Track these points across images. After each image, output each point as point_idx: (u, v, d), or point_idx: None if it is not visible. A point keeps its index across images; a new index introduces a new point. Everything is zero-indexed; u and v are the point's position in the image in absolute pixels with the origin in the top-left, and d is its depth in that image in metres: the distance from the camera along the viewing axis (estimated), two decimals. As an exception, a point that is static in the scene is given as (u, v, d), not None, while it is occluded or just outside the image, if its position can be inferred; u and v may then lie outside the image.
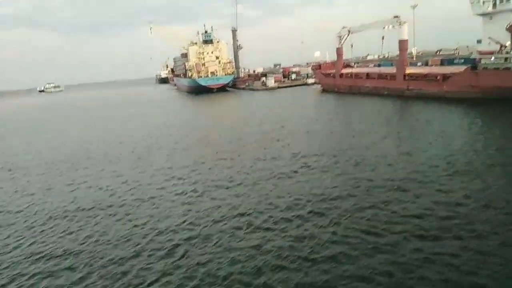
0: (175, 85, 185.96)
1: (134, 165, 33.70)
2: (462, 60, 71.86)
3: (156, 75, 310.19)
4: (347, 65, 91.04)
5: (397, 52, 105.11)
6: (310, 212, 19.69)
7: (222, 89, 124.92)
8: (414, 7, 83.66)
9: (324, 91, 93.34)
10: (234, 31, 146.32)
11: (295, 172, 27.05)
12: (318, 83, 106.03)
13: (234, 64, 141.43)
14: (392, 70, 70.70)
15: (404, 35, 65.03)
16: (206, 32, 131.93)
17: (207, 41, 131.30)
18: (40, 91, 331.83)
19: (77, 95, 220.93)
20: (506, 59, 47.59)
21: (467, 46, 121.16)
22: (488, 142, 30.92)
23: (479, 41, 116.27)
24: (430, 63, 75.02)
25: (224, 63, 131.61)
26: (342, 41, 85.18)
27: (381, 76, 72.98)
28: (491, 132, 34.71)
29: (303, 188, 23.47)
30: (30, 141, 54.33)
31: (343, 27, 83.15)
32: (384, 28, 70.39)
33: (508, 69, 47.22)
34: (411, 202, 19.84)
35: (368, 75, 76.88)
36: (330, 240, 16.58)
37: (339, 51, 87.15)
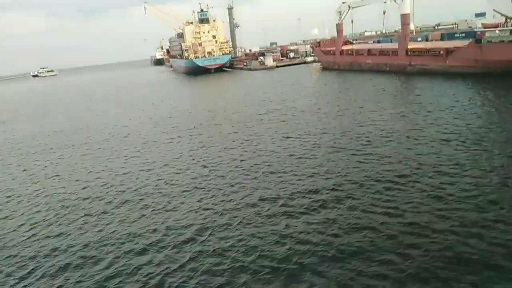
0: (171, 66, 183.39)
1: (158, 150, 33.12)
2: (463, 34, 71.00)
3: (151, 57, 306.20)
4: (347, 42, 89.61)
5: (395, 28, 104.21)
6: (332, 194, 19.41)
7: (220, 69, 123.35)
8: None
9: (324, 69, 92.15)
10: (230, 9, 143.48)
11: (310, 152, 26.63)
12: (318, 61, 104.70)
13: (231, 43, 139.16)
14: (394, 46, 69.59)
15: (406, 9, 63.69)
16: (202, 10, 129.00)
17: (203, 20, 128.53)
18: (34, 76, 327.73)
19: (73, 79, 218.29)
20: (511, 31, 46.68)
21: (466, 20, 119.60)
22: (495, 117, 30.55)
23: (477, 15, 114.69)
24: (430, 38, 73.73)
25: (221, 43, 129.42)
26: (342, 17, 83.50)
27: (382, 52, 71.88)
28: (498, 107, 34.20)
29: (321, 167, 23.11)
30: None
31: (343, 2, 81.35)
32: (385, 2, 68.84)
33: (514, 42, 46.43)
34: (433, 178, 19.57)
35: (369, 52, 75.72)
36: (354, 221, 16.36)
37: (339, 27, 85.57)
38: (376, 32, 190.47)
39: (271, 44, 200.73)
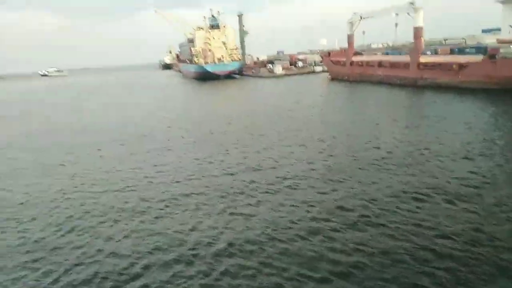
0: (179, 71, 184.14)
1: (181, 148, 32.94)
2: (474, 49, 70.73)
3: (160, 61, 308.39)
4: (357, 53, 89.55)
5: (403, 41, 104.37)
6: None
7: (229, 76, 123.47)
8: None
9: (333, 79, 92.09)
10: (240, 16, 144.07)
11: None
12: (326, 71, 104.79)
13: (240, 50, 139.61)
14: (405, 58, 69.34)
15: (419, 22, 63.50)
16: (213, 16, 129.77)
17: (214, 26, 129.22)
18: (43, 75, 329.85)
19: (85, 79, 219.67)
20: (528, 48, 46.40)
21: (474, 36, 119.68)
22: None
23: (484, 31, 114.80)
24: (439, 52, 73.61)
25: (231, 49, 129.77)
26: (354, 28, 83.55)
27: (393, 65, 71.67)
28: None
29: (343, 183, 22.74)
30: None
31: (355, 13, 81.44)
32: (397, 14, 68.70)
33: (530, 59, 46.07)
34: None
35: (380, 64, 75.56)
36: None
37: (350, 38, 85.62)
38: (382, 44, 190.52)
39: (278, 52, 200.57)
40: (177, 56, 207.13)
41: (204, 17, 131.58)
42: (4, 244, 17.82)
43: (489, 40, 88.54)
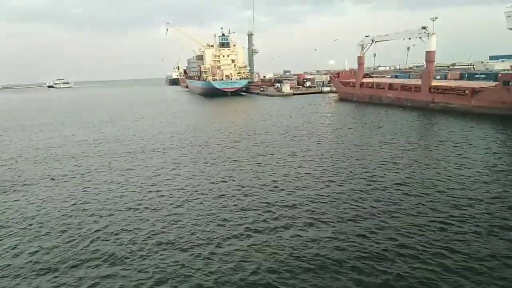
0: (186, 86, 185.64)
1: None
2: (484, 75, 71.31)
3: (167, 76, 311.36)
4: (366, 75, 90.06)
5: (410, 64, 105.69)
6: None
7: (236, 93, 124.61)
8: (434, 19, 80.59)
9: (342, 99, 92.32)
10: (250, 36, 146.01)
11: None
12: (334, 92, 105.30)
13: (249, 68, 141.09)
14: (417, 81, 69.64)
15: (432, 46, 63.92)
16: (223, 35, 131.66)
17: (224, 44, 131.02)
18: (49, 87, 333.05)
19: (91, 92, 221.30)
20: (542, 75, 46.49)
21: (482, 62, 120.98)
22: None
23: (492, 58, 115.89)
24: (449, 76, 74.18)
25: (240, 67, 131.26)
26: (365, 50, 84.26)
27: (404, 87, 71.93)
28: None
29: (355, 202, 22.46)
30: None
31: (366, 36, 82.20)
32: (410, 38, 69.26)
33: (544, 85, 46.13)
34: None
35: (390, 86, 75.83)
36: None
37: (360, 60, 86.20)
38: (390, 67, 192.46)
39: (285, 71, 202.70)
40: (185, 72, 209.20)
41: (215, 35, 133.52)
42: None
43: (498, 67, 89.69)
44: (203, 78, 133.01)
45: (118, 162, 35.65)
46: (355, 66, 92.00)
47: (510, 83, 51.11)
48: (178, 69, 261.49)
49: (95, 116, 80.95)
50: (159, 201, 23.82)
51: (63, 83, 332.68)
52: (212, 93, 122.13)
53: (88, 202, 24.38)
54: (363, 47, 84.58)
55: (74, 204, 24.03)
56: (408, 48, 71.55)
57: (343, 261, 15.59)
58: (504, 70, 73.82)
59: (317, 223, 19.41)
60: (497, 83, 53.44)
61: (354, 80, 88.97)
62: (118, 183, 28.27)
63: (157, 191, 26.00)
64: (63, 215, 22.27)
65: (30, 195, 26.47)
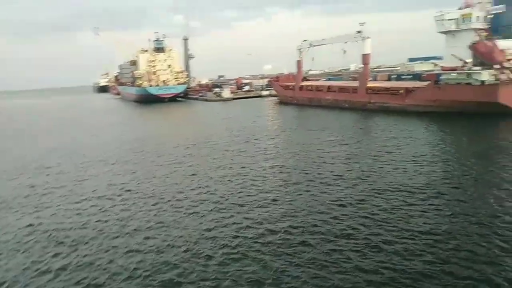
0: (117, 93, 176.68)
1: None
2: (410, 76, 77.68)
3: (94, 84, 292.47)
4: (305, 78, 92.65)
5: (339, 68, 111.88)
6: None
7: (174, 99, 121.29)
8: (362, 24, 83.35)
9: (282, 103, 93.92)
10: (185, 40, 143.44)
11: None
12: (273, 95, 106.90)
13: (186, 73, 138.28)
14: (354, 83, 72.90)
15: (367, 49, 67.36)
16: (158, 39, 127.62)
17: (159, 49, 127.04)
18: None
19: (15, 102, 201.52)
20: (468, 74, 50.84)
21: (404, 64, 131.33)
22: (456, 153, 33.06)
23: (411, 60, 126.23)
24: (378, 78, 79.33)
25: (177, 72, 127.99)
26: (303, 54, 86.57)
27: (343, 90, 74.89)
28: (459, 144, 37.03)
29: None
30: None
31: (304, 40, 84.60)
32: (346, 42, 72.29)
33: (470, 84, 50.44)
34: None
35: (329, 88, 78.57)
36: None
37: (299, 64, 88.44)
38: (319, 71, 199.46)
39: (219, 76, 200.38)
40: (116, 78, 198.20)
41: (149, 40, 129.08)
42: None
43: (417, 68, 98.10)
44: (137, 84, 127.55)
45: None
46: (292, 70, 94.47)
47: (440, 83, 55.23)
48: (107, 75, 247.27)
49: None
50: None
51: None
52: (148, 100, 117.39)
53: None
54: (301, 51, 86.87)
55: None
56: (344, 52, 74.50)
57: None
58: (423, 71, 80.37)
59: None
60: (429, 82, 57.42)
61: (294, 83, 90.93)
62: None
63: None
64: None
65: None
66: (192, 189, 26.03)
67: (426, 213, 19.30)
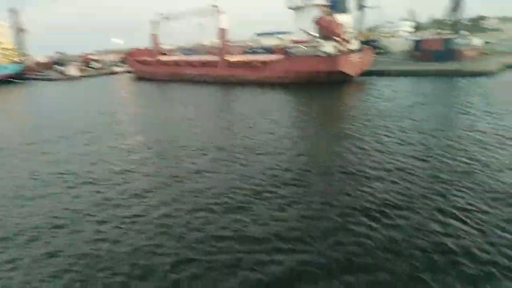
0: None
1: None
2: (264, 50, 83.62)
3: None
4: (163, 53, 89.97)
5: (194, 42, 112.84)
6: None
7: (7, 81, 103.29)
8: None
9: (140, 79, 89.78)
10: (13, 12, 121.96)
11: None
12: (129, 72, 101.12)
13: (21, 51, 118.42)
14: (214, 58, 74.11)
15: (224, 24, 68.79)
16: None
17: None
18: None
19: None
20: (315, 47, 56.94)
21: (253, 38, 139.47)
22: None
23: (259, 34, 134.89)
24: (233, 52, 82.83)
25: (7, 49, 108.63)
26: (159, 28, 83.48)
27: (204, 64, 75.44)
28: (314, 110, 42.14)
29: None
30: None
31: (160, 14, 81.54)
32: (202, 17, 72.54)
33: (317, 56, 56.61)
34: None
35: (189, 63, 78.18)
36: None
37: (155, 38, 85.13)
38: (174, 46, 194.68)
39: (57, 52, 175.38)
40: None
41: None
42: None
43: (264, 42, 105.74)
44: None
45: None
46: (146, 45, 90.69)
47: (292, 55, 60.46)
48: None
49: None
50: None
51: None
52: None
53: None
54: (156, 24, 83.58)
55: None
56: (200, 26, 74.85)
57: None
58: (273, 45, 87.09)
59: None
60: (281, 55, 62.30)
61: (151, 58, 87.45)
62: None
63: None
64: None
65: None
66: None
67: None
